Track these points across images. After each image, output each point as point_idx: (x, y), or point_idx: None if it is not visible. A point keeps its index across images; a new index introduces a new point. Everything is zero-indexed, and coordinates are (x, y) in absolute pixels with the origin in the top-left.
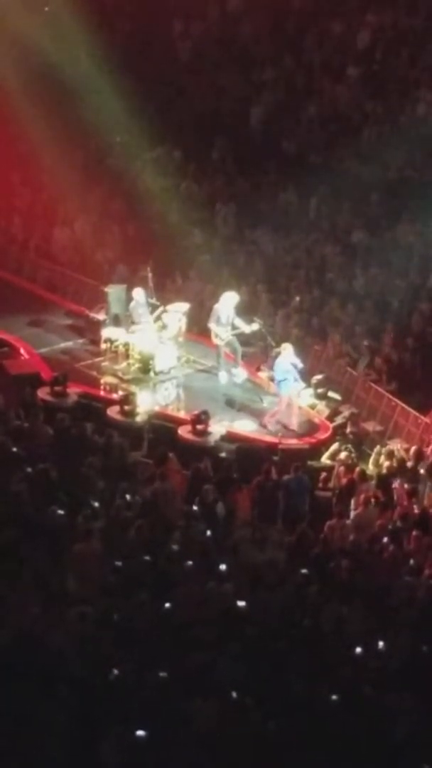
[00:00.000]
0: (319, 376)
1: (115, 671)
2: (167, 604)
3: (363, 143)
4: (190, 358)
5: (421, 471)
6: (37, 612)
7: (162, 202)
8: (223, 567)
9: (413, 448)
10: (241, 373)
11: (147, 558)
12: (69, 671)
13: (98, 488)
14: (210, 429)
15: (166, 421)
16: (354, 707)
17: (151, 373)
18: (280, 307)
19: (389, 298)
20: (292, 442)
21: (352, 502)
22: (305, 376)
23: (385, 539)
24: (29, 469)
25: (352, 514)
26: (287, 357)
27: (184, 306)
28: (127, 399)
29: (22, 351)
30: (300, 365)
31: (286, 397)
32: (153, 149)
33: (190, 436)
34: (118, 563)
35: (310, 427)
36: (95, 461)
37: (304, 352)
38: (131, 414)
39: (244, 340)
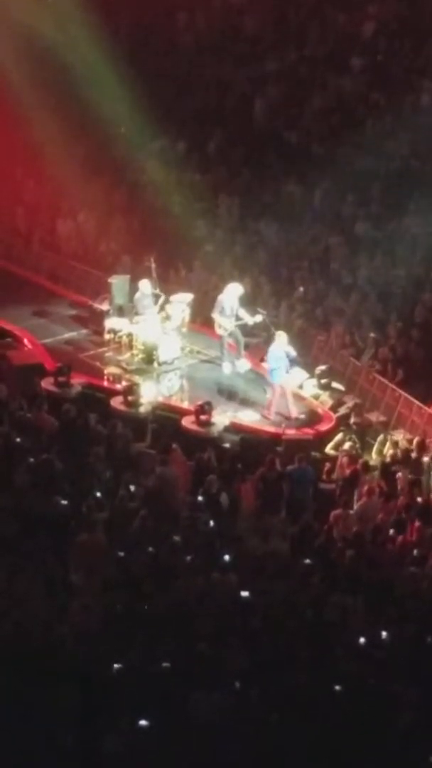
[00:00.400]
0: (322, 367)
1: (119, 662)
2: (171, 595)
3: (367, 134)
4: (193, 349)
5: (425, 461)
6: (41, 603)
7: (165, 194)
8: (227, 558)
9: (416, 439)
10: (244, 364)
11: (150, 549)
12: (72, 662)
13: (102, 479)
14: (213, 420)
15: (169, 411)
16: (357, 698)
17: (155, 364)
18: (284, 298)
19: (393, 289)
20: (292, 432)
21: (356, 492)
22: (309, 366)
23: (390, 530)
24: (32, 460)
25: (356, 504)
26: (280, 345)
27: (187, 297)
28: (131, 389)
29: (25, 341)
30: (293, 354)
31: (278, 386)
32: (156, 141)
33: (193, 427)
34: (122, 554)
35: (314, 418)
36: (99, 451)
37: (308, 342)
38: (135, 404)
39: (248, 330)
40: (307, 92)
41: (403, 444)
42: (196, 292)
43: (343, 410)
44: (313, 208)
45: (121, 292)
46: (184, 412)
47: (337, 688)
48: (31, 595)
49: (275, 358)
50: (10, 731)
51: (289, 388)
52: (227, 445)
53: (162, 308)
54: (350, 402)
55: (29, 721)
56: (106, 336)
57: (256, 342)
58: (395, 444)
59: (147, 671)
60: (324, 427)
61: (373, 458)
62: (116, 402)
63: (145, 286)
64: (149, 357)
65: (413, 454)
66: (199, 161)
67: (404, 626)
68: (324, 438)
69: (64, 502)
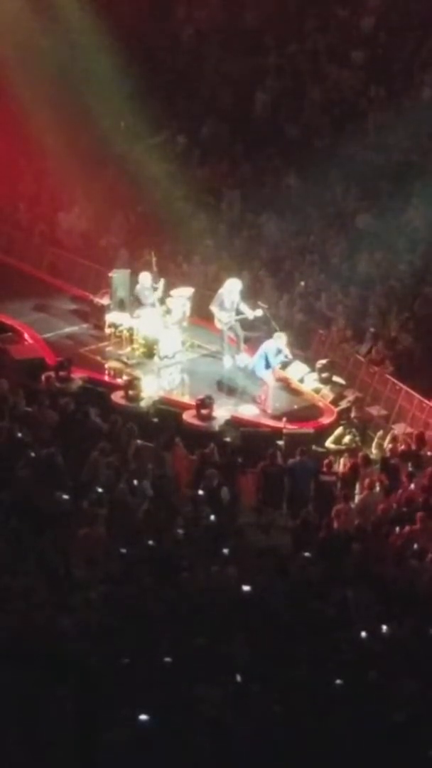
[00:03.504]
0: (323, 361)
1: (120, 656)
2: (172, 589)
3: (367, 127)
4: (194, 343)
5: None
6: (43, 597)
7: (166, 188)
8: (227, 551)
9: (415, 433)
10: (244, 358)
11: (152, 543)
12: (74, 656)
13: (104, 473)
14: (215, 414)
15: (170, 406)
16: (358, 692)
17: (156, 358)
18: (285, 292)
19: (394, 283)
20: (293, 426)
21: (357, 486)
22: (310, 360)
23: (391, 524)
24: (33, 454)
25: (357, 498)
26: (278, 344)
27: (188, 291)
28: (132, 384)
29: (26, 336)
30: (287, 354)
31: (268, 377)
32: (157, 134)
33: (194, 421)
34: (123, 549)
35: (315, 412)
36: (105, 446)
37: (309, 336)
38: (136, 399)
39: (249, 324)
40: (308, 86)
41: (403, 438)
42: (197, 286)
43: (344, 404)
44: (314, 201)
45: (122, 286)
46: (185, 407)
47: (338, 681)
48: (33, 590)
49: (271, 352)
50: (12, 724)
51: (272, 382)
52: (228, 439)
53: (163, 302)
54: (351, 396)
55: (29, 714)
56: (107, 330)
57: (256, 336)
58: (395, 438)
59: (148, 665)
60: (325, 421)
61: (374, 452)
62: (117, 396)
63: (145, 278)
64: (150, 351)
65: (413, 447)
66: (199, 155)
67: (405, 620)
68: (325, 432)
69: (66, 496)
